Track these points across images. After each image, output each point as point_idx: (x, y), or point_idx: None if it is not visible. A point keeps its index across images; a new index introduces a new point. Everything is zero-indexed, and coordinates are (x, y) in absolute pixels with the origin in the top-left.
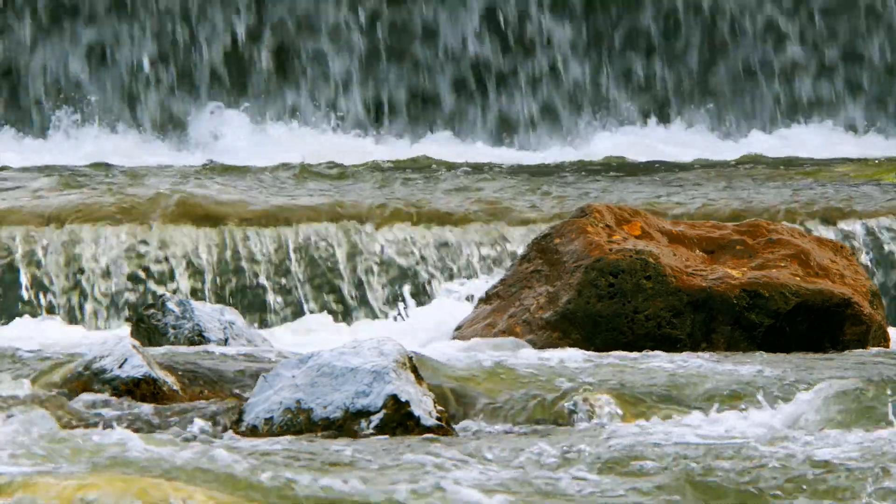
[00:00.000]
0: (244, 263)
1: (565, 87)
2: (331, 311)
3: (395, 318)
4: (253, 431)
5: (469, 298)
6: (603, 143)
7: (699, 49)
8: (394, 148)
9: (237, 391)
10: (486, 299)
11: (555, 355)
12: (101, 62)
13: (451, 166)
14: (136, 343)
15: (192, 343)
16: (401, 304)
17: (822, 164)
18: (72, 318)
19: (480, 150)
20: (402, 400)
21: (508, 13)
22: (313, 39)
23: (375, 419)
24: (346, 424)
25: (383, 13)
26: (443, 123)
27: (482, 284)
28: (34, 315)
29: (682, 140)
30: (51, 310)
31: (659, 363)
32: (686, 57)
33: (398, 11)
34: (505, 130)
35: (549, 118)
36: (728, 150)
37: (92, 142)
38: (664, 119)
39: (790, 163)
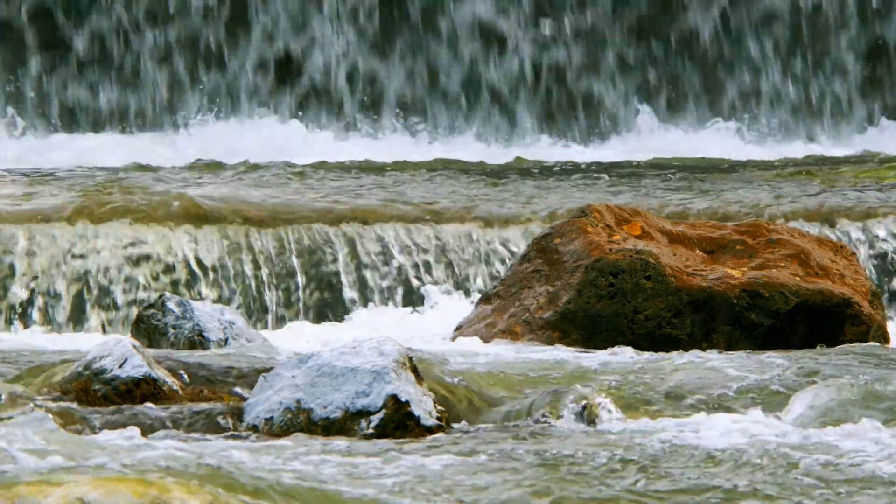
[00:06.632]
0: (244, 263)
1: None
2: (330, 311)
3: (394, 318)
4: (253, 431)
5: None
6: None
7: None
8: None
9: (237, 391)
10: (486, 299)
11: (555, 355)
12: None
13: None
14: (136, 343)
15: (192, 343)
16: (401, 304)
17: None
18: (70, 319)
19: None
20: (402, 400)
21: None
22: None
23: (375, 419)
24: (346, 424)
25: None
26: None
27: (482, 284)
28: (33, 316)
29: None
30: (49, 310)
31: (659, 363)
32: None
33: None
34: None
35: None
36: None
37: None
38: None
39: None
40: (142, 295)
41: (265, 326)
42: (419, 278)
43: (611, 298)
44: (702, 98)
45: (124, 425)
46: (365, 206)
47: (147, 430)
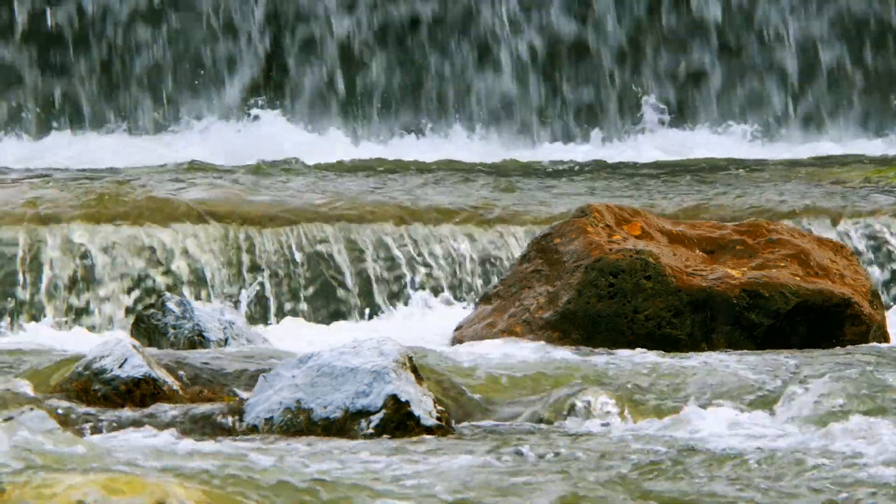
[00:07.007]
0: (245, 263)
1: None
2: (330, 311)
3: (394, 318)
4: (253, 431)
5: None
6: None
7: None
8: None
9: (237, 391)
10: (486, 299)
11: (555, 355)
12: None
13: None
14: (136, 343)
15: (192, 343)
16: (401, 305)
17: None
18: (70, 319)
19: None
20: (402, 400)
21: None
22: None
23: (375, 419)
24: (346, 424)
25: None
26: None
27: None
28: (33, 316)
29: None
30: (49, 310)
31: (659, 363)
32: None
33: None
34: None
35: None
36: None
37: None
38: None
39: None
40: (143, 295)
41: (265, 326)
42: (419, 278)
43: (611, 298)
44: None
45: (124, 425)
46: (366, 207)
47: (147, 430)
